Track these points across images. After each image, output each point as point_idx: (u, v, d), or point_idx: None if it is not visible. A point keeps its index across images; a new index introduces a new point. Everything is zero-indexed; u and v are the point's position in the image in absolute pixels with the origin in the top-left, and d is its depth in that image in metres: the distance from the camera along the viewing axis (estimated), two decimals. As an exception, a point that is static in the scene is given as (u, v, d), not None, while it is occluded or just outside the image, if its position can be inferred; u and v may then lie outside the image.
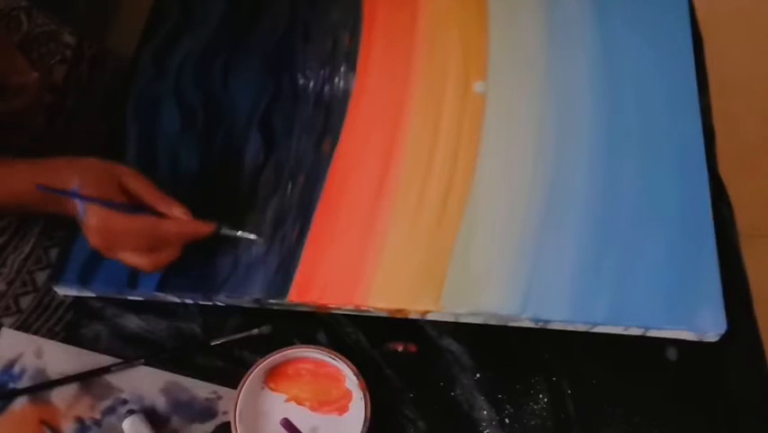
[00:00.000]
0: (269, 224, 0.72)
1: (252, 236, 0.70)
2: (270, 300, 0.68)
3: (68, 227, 0.73)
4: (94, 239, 0.64)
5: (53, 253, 0.78)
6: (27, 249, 0.76)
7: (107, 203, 0.63)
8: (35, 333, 0.76)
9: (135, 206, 0.65)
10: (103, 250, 0.65)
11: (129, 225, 0.64)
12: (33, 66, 0.75)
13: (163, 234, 0.65)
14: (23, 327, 0.76)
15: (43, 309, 0.77)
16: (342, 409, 0.67)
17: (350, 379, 0.66)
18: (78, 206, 0.63)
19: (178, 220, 0.65)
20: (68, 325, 0.76)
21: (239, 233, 0.69)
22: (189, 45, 0.85)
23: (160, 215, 0.65)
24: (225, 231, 0.69)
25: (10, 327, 0.75)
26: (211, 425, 0.67)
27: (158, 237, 0.65)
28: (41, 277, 0.77)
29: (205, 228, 0.67)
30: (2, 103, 0.72)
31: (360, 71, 0.80)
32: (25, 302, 0.76)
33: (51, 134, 0.79)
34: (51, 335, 0.77)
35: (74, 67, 0.81)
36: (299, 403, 0.67)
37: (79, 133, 0.83)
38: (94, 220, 0.63)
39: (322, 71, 0.81)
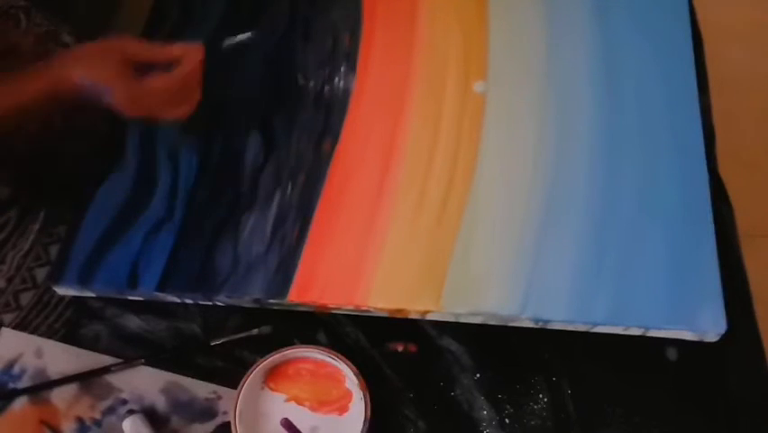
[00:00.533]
0: (270, 223, 0.72)
1: (246, 34, 0.73)
2: (270, 300, 0.68)
3: (69, 224, 0.73)
4: (126, 107, 0.67)
5: (53, 249, 0.78)
6: (26, 246, 0.77)
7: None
8: (35, 330, 0.76)
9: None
10: (136, 113, 0.68)
11: (155, 83, 0.67)
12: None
13: (184, 74, 0.68)
14: (23, 323, 0.76)
15: (43, 306, 0.77)
16: (343, 409, 0.67)
17: (350, 379, 0.66)
18: (100, 92, 0.66)
19: (186, 53, 0.69)
20: (68, 321, 0.76)
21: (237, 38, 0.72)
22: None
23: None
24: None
25: (10, 324, 0.75)
26: (211, 425, 0.67)
27: (181, 79, 0.68)
28: (41, 274, 0.77)
29: (195, 50, 0.70)
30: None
31: (360, 71, 0.80)
32: (25, 299, 0.76)
33: (50, 134, 0.79)
34: (51, 332, 0.77)
35: None
36: (299, 403, 0.67)
37: (78, 132, 0.83)
38: (119, 95, 0.66)
39: (322, 71, 0.81)
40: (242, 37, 0.71)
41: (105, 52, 0.67)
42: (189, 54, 0.69)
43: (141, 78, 0.67)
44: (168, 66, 0.69)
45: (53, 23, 0.84)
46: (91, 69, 0.66)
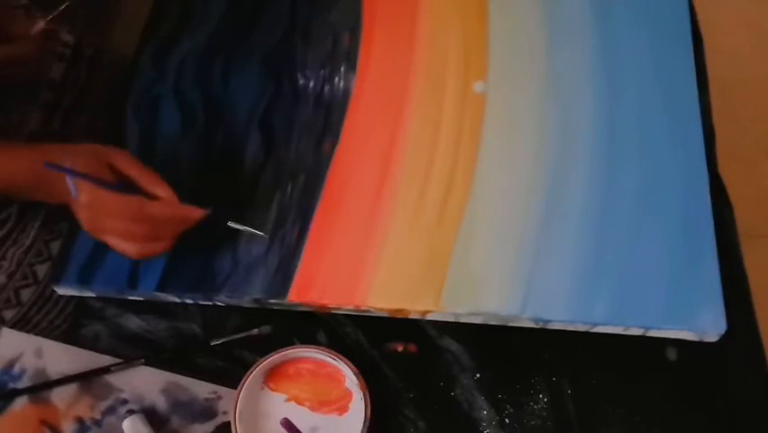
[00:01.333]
0: (271, 222, 0.72)
1: (260, 233, 0.70)
2: (270, 300, 0.69)
3: (70, 221, 0.73)
4: (83, 216, 0.64)
5: (54, 245, 0.78)
6: (27, 242, 0.77)
7: (97, 180, 0.63)
8: (36, 326, 0.76)
9: (126, 185, 0.65)
10: (91, 230, 0.65)
11: (117, 203, 0.63)
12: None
13: (151, 215, 0.64)
14: (24, 319, 0.76)
15: (44, 302, 0.77)
16: (342, 409, 0.67)
17: (350, 379, 0.66)
18: (70, 184, 0.63)
19: (167, 202, 0.65)
20: (69, 317, 0.76)
21: (245, 228, 0.69)
22: (189, 45, 0.85)
23: (152, 198, 0.65)
24: (233, 224, 0.69)
25: (11, 320, 0.75)
26: (211, 425, 0.67)
27: (146, 218, 0.64)
28: (42, 270, 0.77)
29: (195, 213, 0.66)
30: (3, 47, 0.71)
31: (360, 71, 0.80)
32: (26, 295, 0.76)
33: (49, 133, 0.79)
34: (52, 328, 0.77)
35: (72, 65, 0.81)
36: (299, 403, 0.67)
37: (77, 131, 0.83)
38: (84, 197, 0.63)
39: (322, 71, 0.81)
40: (249, 230, 0.70)
41: (96, 152, 0.65)
42: (181, 207, 0.66)
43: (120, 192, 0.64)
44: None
45: (53, 23, 0.84)
46: (75, 158, 0.63)
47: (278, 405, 0.67)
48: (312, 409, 0.67)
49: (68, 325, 0.76)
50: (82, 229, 0.66)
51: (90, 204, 0.64)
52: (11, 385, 0.69)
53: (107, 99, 0.85)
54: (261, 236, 0.70)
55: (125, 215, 0.64)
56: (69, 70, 0.81)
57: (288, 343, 0.69)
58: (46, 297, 0.77)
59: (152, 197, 0.65)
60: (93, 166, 0.64)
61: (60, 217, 0.79)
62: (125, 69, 0.85)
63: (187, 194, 0.73)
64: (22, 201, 0.74)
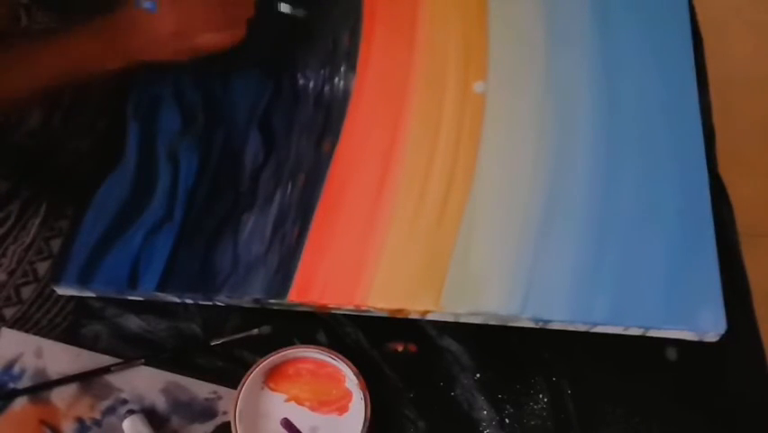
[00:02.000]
0: (270, 223, 0.72)
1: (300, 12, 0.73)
2: (270, 300, 0.68)
3: (70, 219, 0.73)
4: (169, 21, 0.67)
5: (55, 243, 0.78)
6: (28, 240, 0.77)
7: None
8: (36, 324, 0.76)
9: None
10: (183, 29, 0.68)
11: None
12: None
13: None
14: (24, 317, 0.76)
15: (44, 300, 0.77)
16: (342, 409, 0.67)
17: (350, 379, 0.66)
18: (145, 4, 0.66)
19: None
20: (69, 315, 0.76)
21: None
22: (189, 45, 0.84)
23: None
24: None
25: (11, 318, 0.75)
26: (211, 425, 0.67)
27: None
28: (43, 267, 0.77)
29: None
30: None
31: (360, 71, 0.80)
32: (26, 293, 0.76)
33: (48, 131, 0.79)
34: (52, 326, 0.77)
35: None
36: (299, 403, 0.67)
37: (77, 129, 0.83)
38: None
39: (322, 71, 0.81)
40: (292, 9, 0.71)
41: None
42: None
43: None
44: None
45: (54, 21, 0.84)
46: None
47: (278, 405, 0.67)
48: (312, 409, 0.67)
49: (69, 323, 0.77)
50: (167, 46, 0.69)
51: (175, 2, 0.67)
52: (11, 385, 0.69)
53: (107, 99, 0.85)
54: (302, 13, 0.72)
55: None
56: None
57: (288, 343, 0.69)
58: (46, 295, 0.77)
59: None
60: None
61: (61, 215, 0.79)
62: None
63: (187, 194, 0.74)
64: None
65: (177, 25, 0.68)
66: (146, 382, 0.69)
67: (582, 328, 0.65)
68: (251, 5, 0.71)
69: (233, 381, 0.67)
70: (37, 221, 0.77)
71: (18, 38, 0.79)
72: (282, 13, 0.72)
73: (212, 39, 0.70)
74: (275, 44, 0.83)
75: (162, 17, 0.67)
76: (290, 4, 0.71)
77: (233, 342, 0.70)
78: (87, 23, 0.69)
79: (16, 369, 0.70)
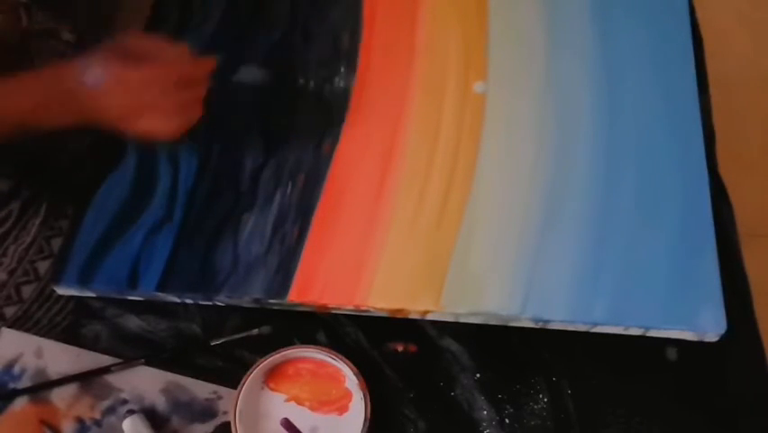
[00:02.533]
0: (270, 223, 0.72)
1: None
2: (270, 300, 0.68)
3: (70, 219, 0.73)
4: (115, 102, 0.62)
5: (55, 242, 0.78)
6: (28, 239, 0.77)
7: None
8: (36, 323, 0.76)
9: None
10: (125, 115, 0.63)
11: (144, 71, 0.62)
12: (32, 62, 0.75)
13: (185, 73, 0.64)
14: (25, 316, 0.76)
15: (45, 299, 0.77)
16: (342, 409, 0.67)
17: (350, 379, 0.66)
18: (90, 76, 0.62)
19: (186, 57, 0.65)
20: (70, 315, 0.76)
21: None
22: (189, 45, 0.84)
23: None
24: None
25: (11, 317, 0.75)
26: (211, 425, 0.67)
27: (181, 77, 0.64)
28: (43, 266, 0.77)
29: (209, 62, 0.66)
30: None
31: (360, 71, 0.80)
32: (27, 292, 0.76)
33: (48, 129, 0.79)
34: (53, 325, 0.77)
35: None
36: (299, 403, 0.67)
37: (76, 130, 0.83)
38: (112, 79, 0.61)
39: (322, 71, 0.81)
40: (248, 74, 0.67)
41: (106, 47, 0.64)
42: (189, 61, 0.66)
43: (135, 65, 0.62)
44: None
45: (54, 20, 0.84)
46: (88, 57, 0.62)
47: (278, 405, 0.67)
48: (312, 409, 0.67)
49: (69, 322, 0.77)
50: (114, 126, 0.64)
51: (120, 81, 0.62)
52: (11, 385, 0.69)
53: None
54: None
55: (160, 79, 0.62)
56: None
57: (288, 343, 0.69)
58: (47, 294, 0.77)
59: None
60: (102, 52, 0.62)
61: (61, 215, 0.79)
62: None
63: (187, 194, 0.73)
64: (47, 128, 0.69)
65: (120, 109, 0.63)
66: (146, 382, 0.69)
67: (582, 328, 0.65)
68: (205, 84, 0.66)
69: (233, 381, 0.67)
70: (37, 221, 0.77)
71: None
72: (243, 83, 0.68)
73: (160, 125, 0.64)
74: (275, 44, 0.83)
75: (106, 97, 0.62)
76: (253, 69, 0.66)
77: (233, 342, 0.70)
78: (39, 70, 0.66)
79: (16, 369, 0.70)
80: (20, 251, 0.76)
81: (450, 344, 0.70)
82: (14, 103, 0.63)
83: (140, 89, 0.63)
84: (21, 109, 0.63)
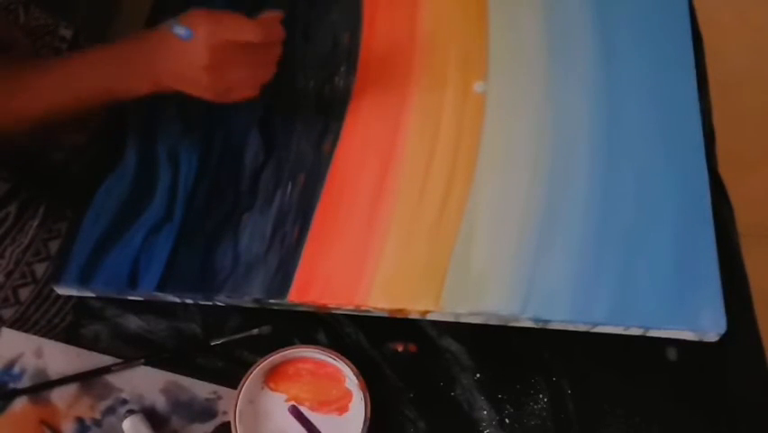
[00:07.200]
0: (270, 223, 0.72)
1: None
2: (270, 300, 0.69)
3: (69, 220, 0.73)
4: (205, 56, 0.62)
5: (53, 245, 0.78)
6: (26, 241, 0.77)
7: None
8: (34, 325, 0.76)
9: None
10: (215, 70, 0.63)
11: (236, 20, 0.63)
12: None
13: (272, 33, 0.66)
14: (23, 318, 0.76)
15: (42, 301, 0.77)
16: (342, 409, 0.67)
17: (350, 379, 0.66)
18: (180, 30, 0.62)
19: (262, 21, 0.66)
20: (68, 316, 0.76)
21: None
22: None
23: None
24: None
25: (9, 319, 0.75)
26: (211, 425, 0.67)
27: (267, 37, 0.65)
28: (41, 269, 0.77)
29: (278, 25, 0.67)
30: None
31: (360, 71, 0.80)
32: (24, 294, 0.76)
33: (47, 128, 0.79)
34: (50, 327, 0.77)
35: None
36: (299, 403, 0.67)
37: (76, 127, 0.83)
38: (202, 30, 0.62)
39: (322, 71, 0.81)
40: None
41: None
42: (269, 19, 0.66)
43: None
44: None
45: (52, 18, 0.85)
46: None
47: (279, 405, 0.67)
48: (312, 409, 0.67)
49: (67, 324, 0.77)
50: (201, 94, 0.65)
51: (209, 33, 0.62)
52: (11, 385, 0.69)
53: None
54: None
55: (245, 28, 0.63)
56: None
57: (288, 343, 0.69)
58: (44, 296, 0.77)
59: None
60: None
61: (59, 217, 0.79)
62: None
63: (187, 194, 0.73)
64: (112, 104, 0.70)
65: (210, 59, 0.62)
66: (146, 382, 0.69)
67: (583, 328, 0.65)
68: (280, 45, 0.68)
69: (233, 381, 0.67)
70: (35, 223, 0.77)
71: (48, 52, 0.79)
72: None
73: (245, 79, 0.65)
74: None
75: (196, 46, 0.62)
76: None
77: (233, 342, 0.70)
78: (118, 42, 0.66)
79: (16, 369, 0.70)
80: (17, 253, 0.76)
81: (450, 344, 0.70)
82: (100, 73, 0.65)
83: (228, 44, 0.63)
84: (108, 77, 0.65)
